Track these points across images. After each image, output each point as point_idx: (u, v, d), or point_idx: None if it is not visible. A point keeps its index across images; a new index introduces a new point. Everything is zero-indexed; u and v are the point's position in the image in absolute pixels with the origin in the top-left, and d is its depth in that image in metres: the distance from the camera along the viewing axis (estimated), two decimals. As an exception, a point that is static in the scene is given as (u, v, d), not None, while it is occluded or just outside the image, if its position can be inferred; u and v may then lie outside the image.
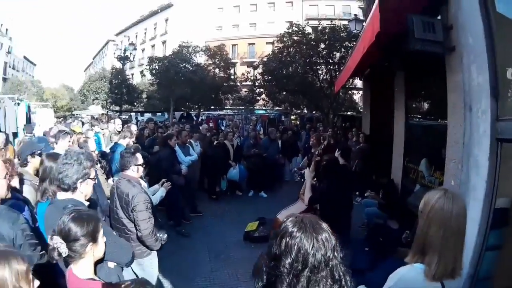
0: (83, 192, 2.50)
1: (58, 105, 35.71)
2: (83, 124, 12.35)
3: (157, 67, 20.15)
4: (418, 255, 1.87)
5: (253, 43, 37.63)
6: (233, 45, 35.03)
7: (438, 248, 1.76)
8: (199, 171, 8.74)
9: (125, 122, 10.18)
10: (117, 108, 24.96)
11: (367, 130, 9.73)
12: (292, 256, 1.22)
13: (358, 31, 11.29)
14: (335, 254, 1.25)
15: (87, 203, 2.56)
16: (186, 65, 20.33)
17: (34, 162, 3.71)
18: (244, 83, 22.39)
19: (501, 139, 3.21)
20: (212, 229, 6.95)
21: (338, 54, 13.42)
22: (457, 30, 3.72)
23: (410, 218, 5.64)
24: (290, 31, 14.05)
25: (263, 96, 18.18)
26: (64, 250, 1.82)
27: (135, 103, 28.11)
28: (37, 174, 3.57)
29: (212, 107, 23.36)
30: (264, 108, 22.42)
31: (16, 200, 2.77)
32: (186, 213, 7.20)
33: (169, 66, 19.29)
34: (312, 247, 1.22)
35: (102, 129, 8.71)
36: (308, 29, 13.82)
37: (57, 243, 1.82)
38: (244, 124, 17.14)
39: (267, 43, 34.81)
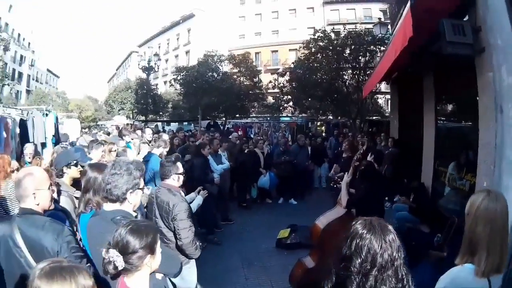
0: (132, 202, 2.38)
1: (83, 116, 36.48)
2: (108, 134, 12.56)
3: (184, 76, 20.53)
4: (467, 256, 1.95)
5: (276, 50, 37.61)
6: (256, 53, 35.18)
7: (486, 246, 1.86)
8: (229, 179, 8.78)
9: (156, 132, 10.42)
10: (143, 118, 25.44)
11: (396, 134, 9.64)
12: (362, 257, 1.32)
13: (383, 35, 11.27)
14: (399, 254, 1.35)
15: (134, 214, 2.47)
16: (213, 74, 20.70)
17: (70, 173, 3.59)
18: (269, 91, 22.56)
19: (533, 140, 3.22)
20: (243, 236, 6.98)
21: (363, 59, 13.34)
22: (485, 32, 3.75)
23: (441, 222, 5.63)
24: (316, 37, 14.08)
25: (290, 103, 18.20)
26: (120, 263, 1.75)
27: (161, 113, 28.59)
28: (73, 184, 3.55)
29: (238, 115, 23.52)
30: (290, 115, 22.54)
31: (55, 211, 2.68)
32: (217, 221, 7.27)
33: (198, 75, 19.67)
34: (381, 248, 1.32)
35: (132, 139, 8.82)
36: (333, 34, 13.80)
37: (113, 256, 1.74)
38: (272, 131, 17.25)
39: (290, 50, 34.97)
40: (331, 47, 13.36)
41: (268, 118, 22.72)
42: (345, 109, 15.24)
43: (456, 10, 4.21)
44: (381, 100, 25.59)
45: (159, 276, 2.12)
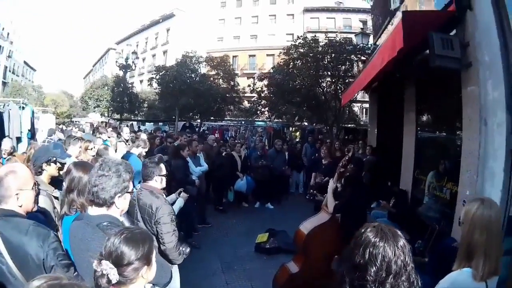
0: (120, 207, 2.17)
1: (58, 111, 35.52)
2: (83, 131, 12.21)
3: (163, 76, 20.30)
4: (464, 262, 2.04)
5: (254, 55, 37.87)
6: (233, 57, 35.24)
7: (483, 251, 1.95)
8: (205, 182, 8.63)
9: (134, 132, 10.22)
10: (118, 116, 24.82)
11: (374, 142, 9.86)
12: (377, 265, 1.33)
13: (364, 45, 11.58)
14: (410, 259, 1.38)
15: (121, 219, 2.28)
16: (192, 75, 20.57)
17: (49, 170, 3.32)
18: (247, 94, 22.60)
19: (516, 151, 3.40)
20: (221, 240, 6.93)
21: (342, 67, 13.62)
22: (473, 47, 3.93)
23: (419, 228, 5.82)
24: (297, 43, 14.27)
25: (267, 108, 18.31)
26: (114, 276, 1.57)
27: (136, 112, 28.11)
28: (51, 183, 3.30)
29: (212, 117, 23.44)
30: (265, 120, 22.72)
31: (36, 212, 2.38)
32: (195, 224, 7.18)
33: (177, 75, 19.49)
34: (394, 255, 1.34)
35: (109, 137, 8.49)
36: (314, 42, 14.03)
37: (107, 268, 1.55)
38: (249, 135, 17.30)
39: (267, 55, 35.54)
40: (311, 54, 13.56)
41: (243, 122, 22.91)
42: (322, 116, 15.48)
43: (444, 25, 4.38)
44: (356, 108, 26.26)
45: (148, 286, 1.90)
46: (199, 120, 23.38)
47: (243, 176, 9.15)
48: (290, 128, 21.78)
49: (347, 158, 4.45)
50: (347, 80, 13.77)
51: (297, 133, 21.29)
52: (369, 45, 11.86)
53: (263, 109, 18.67)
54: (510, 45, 3.43)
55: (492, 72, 3.67)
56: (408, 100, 7.05)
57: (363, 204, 4.85)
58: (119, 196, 2.13)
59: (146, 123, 26.04)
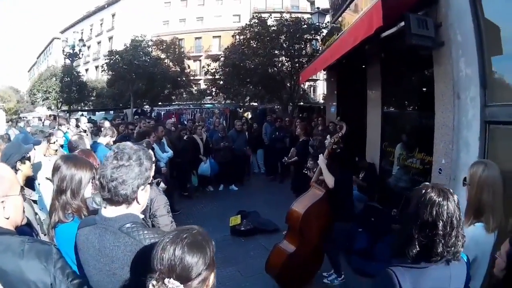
0: (141, 202, 1.73)
1: (5, 107, 32.63)
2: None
3: (119, 61, 19.20)
4: (472, 218, 2.29)
5: (200, 37, 37.17)
6: (180, 40, 34.55)
7: (491, 207, 2.22)
8: (169, 167, 8.36)
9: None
10: (66, 108, 23.27)
11: (333, 118, 10.18)
12: (444, 220, 1.51)
13: (320, 24, 11.86)
14: (461, 213, 1.59)
15: (142, 216, 1.86)
16: (146, 58, 19.74)
17: (24, 170, 2.87)
18: (197, 77, 22.17)
19: (489, 122, 3.81)
20: None
21: (297, 46, 13.83)
22: (446, 27, 4.25)
23: (391, 199, 6.28)
24: (251, 23, 14.21)
25: (222, 89, 18.14)
26: None
27: (85, 102, 26.61)
28: (26, 184, 2.86)
29: (160, 103, 22.78)
30: (213, 102, 22.60)
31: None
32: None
33: (132, 59, 18.58)
34: (455, 210, 1.53)
35: (68, 129, 8.00)
36: (269, 21, 14.04)
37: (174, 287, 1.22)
38: (206, 117, 17.11)
39: (214, 37, 35.27)
40: (266, 34, 13.61)
41: (191, 106, 22.65)
42: (278, 95, 15.70)
43: (418, 5, 4.63)
44: (305, 86, 26.90)
45: None
46: (147, 106, 22.65)
47: (206, 159, 9.08)
48: (242, 109, 21.83)
49: (340, 135, 4.55)
50: (301, 59, 14.05)
51: (246, 114, 21.41)
52: (325, 24, 12.14)
53: (217, 91, 18.45)
54: (482, 27, 3.76)
55: (465, 51, 4.01)
56: (372, 76, 7.40)
57: (352, 178, 5.13)
58: (142, 189, 1.71)
59: (96, 113, 24.74)
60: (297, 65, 14.29)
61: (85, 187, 2.23)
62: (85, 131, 7.33)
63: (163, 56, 21.94)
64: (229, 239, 6.22)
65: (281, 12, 21.93)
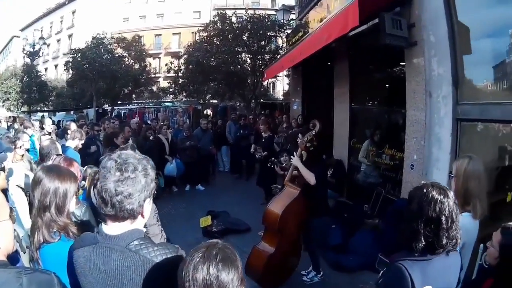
0: (146, 215, 1.59)
1: None
2: None
3: (82, 59, 18.17)
4: (460, 208, 2.42)
5: (160, 34, 36.40)
6: (139, 37, 33.65)
7: (477, 196, 2.39)
8: None
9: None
10: (26, 108, 22.31)
11: (297, 115, 10.28)
12: (446, 215, 1.64)
13: (285, 21, 11.91)
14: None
15: (144, 230, 1.71)
16: (108, 56, 18.84)
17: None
18: (158, 75, 21.60)
19: (461, 119, 4.01)
20: (165, 230, 6.72)
21: (262, 43, 13.82)
22: (419, 28, 4.41)
23: (361, 194, 6.46)
24: (215, 20, 14.02)
25: (185, 87, 17.72)
26: None
27: (46, 102, 24.99)
28: None
29: (119, 102, 21.99)
30: (172, 100, 22.17)
31: None
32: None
33: (96, 57, 17.66)
34: (453, 205, 1.67)
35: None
36: (233, 18, 13.90)
37: None
38: (169, 116, 16.65)
39: (173, 33, 34.65)
40: (230, 30, 13.49)
41: (151, 104, 22.05)
42: (240, 92, 15.63)
43: (392, 5, 4.76)
44: (264, 83, 27.02)
45: None
46: (106, 105, 21.75)
47: (172, 159, 8.82)
48: (203, 107, 21.56)
49: (313, 133, 4.57)
50: (264, 56, 14.07)
51: (205, 111, 21.18)
52: (290, 22, 12.21)
53: (179, 89, 17.97)
54: (456, 29, 3.94)
55: (437, 51, 4.18)
56: (339, 72, 7.49)
57: (326, 174, 5.19)
58: (147, 202, 1.57)
59: (57, 113, 23.41)
60: (259, 62, 14.28)
61: (70, 201, 2.03)
62: (49, 133, 6.86)
63: (124, 54, 21.15)
64: (202, 240, 6.01)
65: (244, 9, 21.88)
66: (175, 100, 21.30)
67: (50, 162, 3.28)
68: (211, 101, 20.78)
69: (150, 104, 22.73)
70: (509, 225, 1.92)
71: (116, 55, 19.70)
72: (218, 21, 14.00)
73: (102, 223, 1.52)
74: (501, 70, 3.77)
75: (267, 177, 7.70)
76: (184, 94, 17.67)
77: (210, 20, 14.27)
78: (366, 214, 5.62)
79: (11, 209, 1.53)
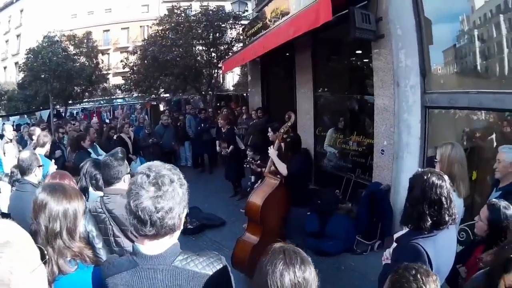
0: (181, 227, 1.49)
1: None
2: None
3: (37, 59, 16.73)
4: None
5: (108, 30, 34.85)
6: (87, 33, 31.95)
7: (461, 177, 2.74)
8: None
9: None
10: None
11: (257, 106, 10.28)
12: (445, 196, 1.90)
13: (240, 12, 11.89)
14: None
15: None
16: (63, 55, 17.57)
17: None
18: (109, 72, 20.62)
19: (429, 107, 4.35)
20: None
21: (217, 35, 13.66)
22: (386, 22, 4.67)
23: (329, 181, 6.71)
24: (170, 13, 13.63)
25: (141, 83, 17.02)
26: None
27: None
28: None
29: (70, 101, 20.81)
30: (123, 97, 21.34)
31: None
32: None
33: (51, 56, 16.32)
34: (449, 187, 1.94)
35: None
36: (188, 11, 13.59)
37: None
38: (127, 114, 16.01)
39: (122, 28, 33.65)
40: (187, 24, 13.21)
41: (102, 102, 21.15)
42: (196, 86, 15.40)
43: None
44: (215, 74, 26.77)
45: None
46: (58, 106, 20.43)
47: (136, 158, 8.59)
48: (156, 102, 20.94)
49: (289, 124, 4.70)
50: (219, 47, 13.94)
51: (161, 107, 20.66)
52: (246, 13, 12.20)
53: (133, 86, 17.23)
54: (423, 23, 4.25)
55: (404, 44, 4.47)
56: (302, 62, 7.60)
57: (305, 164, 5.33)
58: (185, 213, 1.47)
59: (10, 118, 21.49)
60: (214, 54, 14.14)
61: (81, 221, 1.83)
62: (11, 140, 6.36)
63: (76, 51, 19.90)
64: (179, 238, 6.00)
65: (190, 1, 21.41)
66: (126, 96, 20.50)
67: (32, 176, 3.14)
68: (162, 95, 20.21)
69: (102, 102, 21.79)
70: (493, 202, 2.28)
71: (71, 53, 18.58)
72: (173, 14, 13.60)
73: (137, 244, 1.40)
74: (467, 61, 4.15)
75: (234, 170, 7.84)
76: (139, 90, 17.00)
77: (165, 14, 13.80)
78: (339, 199, 5.88)
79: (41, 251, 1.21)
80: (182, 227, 1.48)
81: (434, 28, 4.32)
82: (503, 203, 2.21)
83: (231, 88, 27.72)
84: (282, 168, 4.40)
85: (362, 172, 5.94)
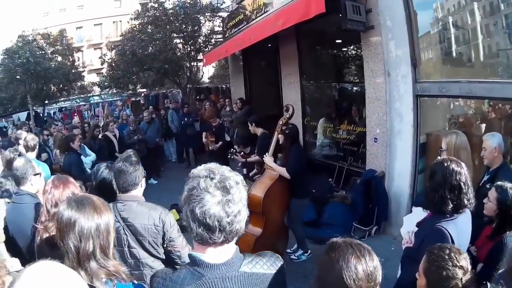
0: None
1: None
2: None
3: (15, 60, 16.00)
4: None
5: (81, 27, 34.05)
6: (61, 31, 30.84)
7: (467, 163, 2.80)
8: None
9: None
10: None
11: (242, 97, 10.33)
12: (464, 181, 2.04)
13: (219, 4, 11.79)
14: None
15: None
16: (41, 54, 16.89)
17: None
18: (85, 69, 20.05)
19: (420, 95, 4.53)
20: None
21: (196, 27, 13.50)
22: (376, 13, 4.79)
23: (321, 170, 6.82)
24: (148, 7, 13.34)
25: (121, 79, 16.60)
26: None
27: None
28: None
29: (46, 101, 20.14)
30: (99, 94, 20.87)
31: None
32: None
33: (30, 56, 15.60)
34: (467, 173, 2.09)
35: None
36: (167, 5, 13.30)
37: None
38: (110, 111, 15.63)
39: (95, 25, 33.11)
40: (164, 18, 12.98)
41: (78, 100, 20.60)
42: (176, 80, 15.23)
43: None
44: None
45: None
46: (35, 107, 19.77)
47: (122, 156, 8.48)
48: (134, 98, 20.55)
49: (287, 116, 4.74)
50: (197, 39, 13.81)
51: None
52: (223, 5, 12.11)
53: (116, 82, 16.80)
54: (412, 14, 4.40)
55: (395, 35, 4.61)
56: (287, 52, 7.61)
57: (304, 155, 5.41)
58: None
59: None
60: (192, 46, 13.99)
61: (113, 236, 1.67)
62: None
63: (52, 50, 19.18)
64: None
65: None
66: (103, 93, 20.01)
67: (28, 186, 2.95)
68: (139, 90, 19.82)
69: (78, 100, 21.40)
70: (501, 184, 2.45)
71: (49, 51, 17.93)
72: (150, 8, 13.31)
73: (195, 253, 1.30)
74: (457, 51, 4.34)
75: (220, 163, 7.78)
76: (117, 86, 16.59)
77: (142, 8, 13.47)
78: (333, 188, 6.02)
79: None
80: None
81: (423, 19, 4.48)
82: (509, 185, 2.39)
83: (207, 81, 27.52)
84: (283, 172, 4.42)
85: (354, 160, 6.08)
